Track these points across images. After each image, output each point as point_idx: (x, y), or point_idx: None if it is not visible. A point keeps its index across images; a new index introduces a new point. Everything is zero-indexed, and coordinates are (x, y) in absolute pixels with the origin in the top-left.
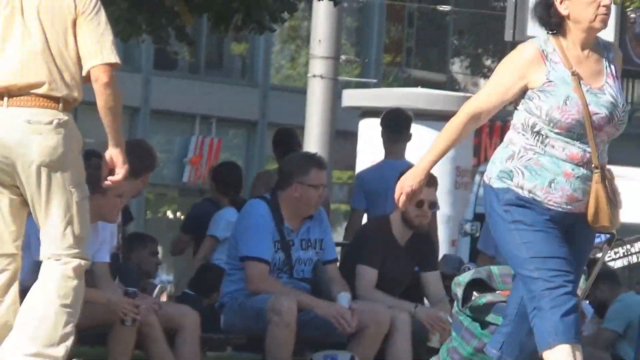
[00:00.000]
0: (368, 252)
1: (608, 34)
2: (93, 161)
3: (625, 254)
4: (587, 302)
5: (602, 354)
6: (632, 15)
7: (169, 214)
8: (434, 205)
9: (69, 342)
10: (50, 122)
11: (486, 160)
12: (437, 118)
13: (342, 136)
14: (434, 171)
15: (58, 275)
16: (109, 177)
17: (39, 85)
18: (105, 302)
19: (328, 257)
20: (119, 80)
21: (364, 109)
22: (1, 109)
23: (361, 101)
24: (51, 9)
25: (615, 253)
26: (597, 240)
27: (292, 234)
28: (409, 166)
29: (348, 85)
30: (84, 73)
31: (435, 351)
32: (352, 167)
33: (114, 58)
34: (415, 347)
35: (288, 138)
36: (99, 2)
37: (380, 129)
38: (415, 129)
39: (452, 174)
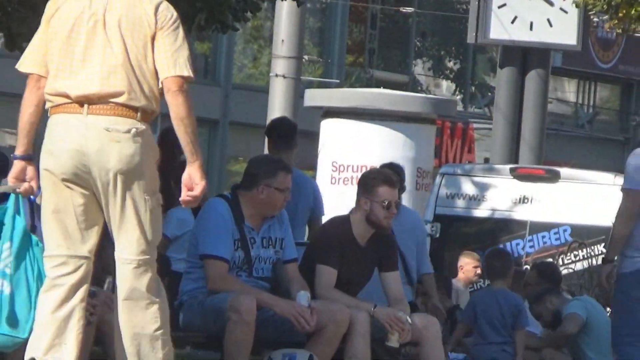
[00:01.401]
0: (327, 252)
1: (571, 38)
2: None
3: (586, 256)
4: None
5: (563, 356)
6: (595, 19)
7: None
8: (398, 206)
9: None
10: (128, 131)
11: (447, 161)
12: (399, 119)
13: (304, 136)
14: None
15: (139, 304)
16: (187, 194)
17: (118, 94)
18: None
19: (288, 257)
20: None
21: (326, 109)
22: (81, 117)
23: (323, 101)
24: (132, 23)
25: (576, 256)
26: (556, 243)
27: (253, 232)
28: (300, 174)
29: (310, 85)
30: (160, 85)
31: (394, 351)
32: (314, 166)
33: (187, 72)
34: (374, 347)
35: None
36: (178, 19)
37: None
38: (377, 129)
39: (413, 175)
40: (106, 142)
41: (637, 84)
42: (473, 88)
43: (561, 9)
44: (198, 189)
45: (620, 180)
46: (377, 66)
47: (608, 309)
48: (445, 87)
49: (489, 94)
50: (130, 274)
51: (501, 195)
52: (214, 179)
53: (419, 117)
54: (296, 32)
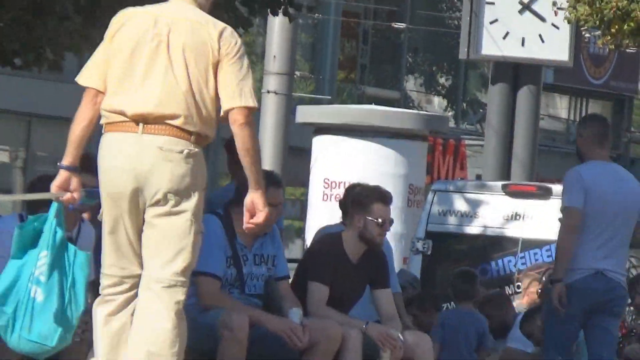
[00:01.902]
0: (319, 269)
1: (562, 54)
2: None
3: None
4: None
5: None
6: (587, 35)
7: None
8: (391, 223)
9: None
10: (181, 152)
11: (439, 178)
12: (391, 135)
13: (295, 152)
14: (387, 188)
15: (164, 324)
16: (250, 220)
17: (174, 117)
18: None
19: (280, 274)
20: (73, 93)
21: (317, 126)
22: (136, 135)
23: (315, 117)
24: (195, 47)
25: None
26: (548, 260)
27: (245, 249)
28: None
29: (302, 101)
30: (222, 113)
31: None
32: (305, 183)
33: (252, 102)
34: None
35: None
36: (242, 47)
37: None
38: (369, 146)
39: (405, 191)
40: (159, 161)
41: (628, 100)
42: (465, 104)
43: (553, 24)
44: (261, 216)
45: None
46: (369, 82)
47: None
48: (437, 104)
49: (481, 110)
50: (159, 291)
51: (493, 212)
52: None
53: (411, 134)
54: (288, 48)
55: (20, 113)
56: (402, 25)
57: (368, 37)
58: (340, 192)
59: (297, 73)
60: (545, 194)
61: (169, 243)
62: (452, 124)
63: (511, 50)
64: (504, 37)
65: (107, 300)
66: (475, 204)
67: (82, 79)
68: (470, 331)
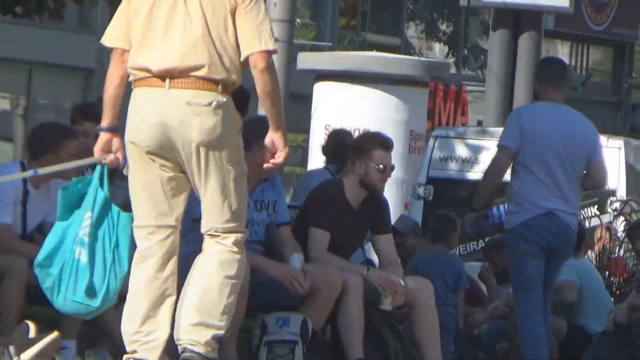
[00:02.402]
0: (320, 215)
1: (564, 0)
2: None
3: (580, 218)
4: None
5: (558, 321)
6: None
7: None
8: (392, 169)
9: (231, 312)
10: (209, 104)
11: (440, 124)
12: (392, 82)
13: (297, 99)
14: (389, 134)
15: (220, 248)
16: (271, 160)
17: (199, 68)
18: None
19: (281, 220)
20: (74, 42)
21: (318, 73)
22: (163, 91)
23: (316, 64)
24: None
25: None
26: None
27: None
28: None
29: (303, 48)
30: (242, 59)
31: (387, 314)
32: (307, 130)
33: (272, 45)
34: (367, 310)
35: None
36: None
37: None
38: (370, 92)
39: (406, 138)
40: (187, 116)
41: (629, 46)
42: (466, 51)
43: None
44: (282, 156)
45: (613, 142)
46: (370, 29)
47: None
48: (438, 50)
49: (482, 56)
50: (212, 240)
51: None
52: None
53: (412, 80)
54: None
55: (21, 61)
56: None
57: None
58: None
59: (298, 20)
60: None
61: (212, 193)
62: (453, 70)
63: None
64: None
65: (146, 256)
66: (476, 150)
67: (107, 40)
68: (445, 272)
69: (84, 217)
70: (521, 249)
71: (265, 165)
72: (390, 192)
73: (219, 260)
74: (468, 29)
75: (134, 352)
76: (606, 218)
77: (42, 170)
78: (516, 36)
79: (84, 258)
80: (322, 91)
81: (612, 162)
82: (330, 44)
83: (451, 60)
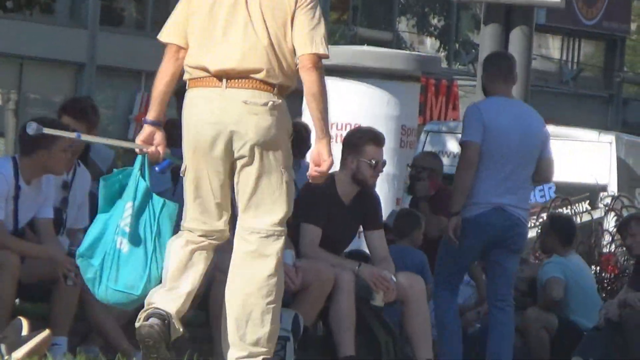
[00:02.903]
0: (312, 211)
1: None
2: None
3: (571, 213)
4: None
5: (548, 315)
6: None
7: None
8: (384, 164)
9: (276, 334)
10: (266, 104)
11: (431, 119)
12: (383, 76)
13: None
14: (380, 129)
15: (259, 269)
16: (315, 169)
17: (257, 71)
18: (49, 258)
19: None
20: (65, 36)
21: None
22: (219, 90)
23: None
24: (272, 3)
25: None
26: (541, 200)
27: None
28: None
29: None
30: (296, 61)
31: (379, 310)
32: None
33: (323, 50)
34: (358, 306)
35: None
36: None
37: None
38: (362, 87)
39: (398, 132)
40: (244, 115)
41: (621, 41)
42: (457, 45)
43: None
44: (325, 165)
45: (604, 137)
46: (361, 23)
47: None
48: (430, 44)
49: (473, 50)
50: (257, 241)
51: None
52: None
53: (404, 75)
54: None
55: (12, 55)
56: None
57: None
58: (333, 133)
59: None
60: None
61: (262, 194)
62: (444, 64)
63: None
64: None
65: (190, 242)
66: None
67: (163, 36)
68: (409, 267)
69: (125, 208)
70: (467, 242)
71: (309, 174)
72: (382, 187)
73: (259, 286)
74: (459, 23)
75: (152, 303)
76: (597, 214)
77: (85, 137)
78: (507, 30)
79: (125, 248)
80: None
81: (603, 157)
82: None
83: (442, 54)
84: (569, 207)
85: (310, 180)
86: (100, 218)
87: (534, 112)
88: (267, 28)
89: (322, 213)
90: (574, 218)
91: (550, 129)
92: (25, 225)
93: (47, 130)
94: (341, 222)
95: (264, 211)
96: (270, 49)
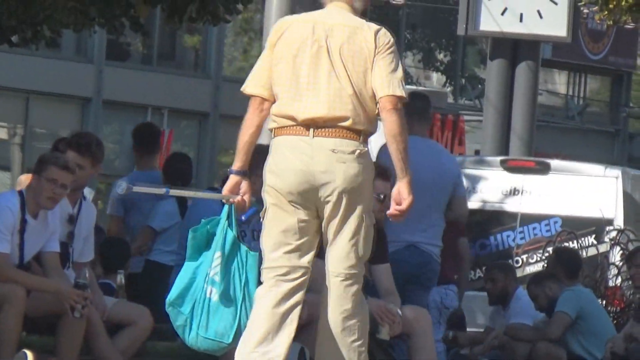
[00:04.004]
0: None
1: (561, 29)
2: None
3: (577, 247)
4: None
5: (557, 349)
6: (585, 11)
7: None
8: (390, 199)
9: None
10: (353, 152)
11: None
12: None
13: None
14: (387, 163)
15: (344, 313)
16: (396, 207)
17: (344, 119)
18: (55, 292)
19: None
20: (71, 70)
21: None
22: (307, 139)
23: None
24: (353, 50)
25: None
26: (547, 234)
27: (244, 225)
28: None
29: None
30: (377, 104)
31: (385, 343)
32: None
33: (400, 92)
34: None
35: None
36: (394, 44)
37: None
38: None
39: None
40: (332, 163)
41: (627, 76)
42: (463, 80)
43: (551, 0)
44: (405, 204)
45: (610, 172)
46: None
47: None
48: (436, 79)
49: (479, 86)
50: (337, 285)
51: (492, 187)
52: (204, 171)
53: None
54: None
55: (18, 90)
56: (400, 1)
57: (366, 12)
58: None
59: None
60: (544, 169)
61: (345, 239)
62: (450, 99)
63: (509, 26)
64: (502, 13)
65: (275, 285)
66: (474, 179)
67: (247, 88)
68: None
69: (214, 257)
70: None
71: (389, 213)
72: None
73: (342, 328)
74: (465, 58)
75: None
76: (603, 247)
77: (174, 192)
78: (513, 65)
79: (215, 297)
80: None
81: (609, 192)
82: None
83: (449, 89)
84: (575, 240)
85: (390, 219)
86: (189, 267)
87: (445, 152)
88: (349, 76)
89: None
90: (581, 252)
91: (556, 163)
92: (31, 259)
93: (136, 189)
94: None
95: (343, 255)
96: (354, 96)
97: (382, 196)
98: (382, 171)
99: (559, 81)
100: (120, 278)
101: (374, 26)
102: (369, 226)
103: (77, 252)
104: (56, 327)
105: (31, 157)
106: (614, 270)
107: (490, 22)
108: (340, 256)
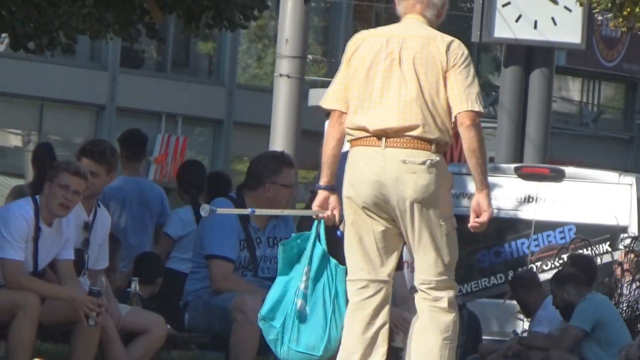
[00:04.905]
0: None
1: (575, 36)
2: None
3: (591, 255)
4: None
5: (570, 357)
6: (599, 18)
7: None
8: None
9: None
10: (424, 162)
11: (452, 161)
12: None
13: (308, 136)
14: None
15: (436, 313)
16: (475, 220)
17: (414, 128)
18: (69, 299)
19: None
20: (85, 77)
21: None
22: (379, 150)
23: None
24: (425, 61)
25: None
26: (561, 241)
27: (259, 232)
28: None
29: (314, 84)
30: (452, 119)
31: (399, 351)
32: (318, 166)
33: (478, 107)
34: None
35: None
36: (469, 57)
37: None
38: None
39: None
40: (403, 173)
41: None
42: None
43: (565, 7)
44: (485, 216)
45: (625, 179)
46: None
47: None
48: None
49: (494, 93)
50: (426, 292)
51: (506, 194)
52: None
53: None
54: (300, 32)
55: (33, 97)
56: None
57: (380, 20)
58: None
59: (310, 56)
60: (558, 176)
61: (425, 248)
62: None
63: (524, 33)
64: (517, 20)
65: (359, 308)
66: None
67: (326, 103)
68: None
69: (304, 271)
70: None
71: (470, 225)
72: None
73: (437, 328)
74: (480, 65)
75: None
76: (617, 255)
77: (259, 211)
78: (528, 72)
79: (305, 310)
80: None
81: (623, 199)
82: None
83: None
84: (589, 248)
85: (471, 230)
86: (280, 281)
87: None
88: (420, 86)
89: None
90: (595, 259)
91: (570, 170)
92: (45, 266)
93: (220, 211)
94: None
95: (429, 264)
96: (425, 105)
97: None
98: None
99: (573, 88)
100: (135, 285)
101: (447, 38)
102: (451, 232)
103: (93, 259)
104: (70, 335)
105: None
106: (628, 278)
107: (504, 29)
108: (428, 265)
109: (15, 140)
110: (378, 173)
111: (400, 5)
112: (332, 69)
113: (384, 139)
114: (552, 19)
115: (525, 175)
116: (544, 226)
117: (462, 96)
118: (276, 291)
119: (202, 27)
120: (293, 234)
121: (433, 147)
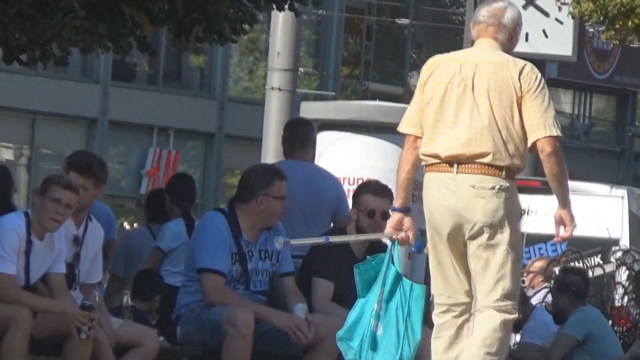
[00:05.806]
0: (324, 265)
1: (566, 49)
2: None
3: (583, 267)
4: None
5: None
6: (591, 30)
7: (126, 225)
8: (386, 216)
9: None
10: (493, 188)
11: None
12: (395, 131)
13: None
14: (392, 184)
15: (487, 326)
16: (560, 234)
17: (484, 155)
18: (61, 313)
19: (285, 270)
20: (77, 91)
21: (321, 122)
22: (451, 175)
23: (319, 113)
24: (499, 87)
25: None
26: (552, 254)
27: (251, 245)
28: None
29: (306, 97)
30: (529, 144)
31: None
32: None
33: (556, 131)
34: None
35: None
36: (543, 81)
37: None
38: (374, 142)
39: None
40: (472, 198)
41: (632, 95)
42: None
43: (557, 19)
44: (570, 230)
45: (616, 191)
46: (373, 78)
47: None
48: None
49: None
50: (487, 318)
51: None
52: (209, 192)
53: None
54: (292, 44)
55: (25, 110)
56: (405, 21)
57: (372, 33)
58: (345, 188)
59: (301, 69)
60: (549, 188)
61: (490, 272)
62: None
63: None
64: None
65: (442, 329)
66: None
67: (402, 127)
68: None
69: (379, 292)
70: None
71: (555, 240)
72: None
73: (482, 338)
74: None
75: None
76: (609, 267)
77: (334, 239)
78: None
79: (379, 330)
80: (325, 140)
81: (615, 211)
82: (333, 92)
83: None
84: (581, 260)
85: (555, 243)
86: (359, 303)
87: (324, 174)
88: (493, 112)
89: (334, 267)
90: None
91: None
92: (37, 280)
93: (294, 242)
94: (353, 276)
95: (489, 289)
96: (497, 132)
97: (368, 210)
98: (373, 187)
99: (565, 100)
100: (127, 299)
101: (520, 62)
102: (516, 261)
103: (84, 273)
104: (62, 348)
105: (37, 177)
106: (620, 290)
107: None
108: (487, 290)
109: (7, 154)
110: (450, 198)
111: (474, 29)
112: (323, 82)
113: (455, 165)
114: (544, 31)
115: (517, 187)
116: (535, 239)
117: (539, 121)
118: (354, 312)
119: (193, 41)
120: (369, 257)
121: (504, 172)
